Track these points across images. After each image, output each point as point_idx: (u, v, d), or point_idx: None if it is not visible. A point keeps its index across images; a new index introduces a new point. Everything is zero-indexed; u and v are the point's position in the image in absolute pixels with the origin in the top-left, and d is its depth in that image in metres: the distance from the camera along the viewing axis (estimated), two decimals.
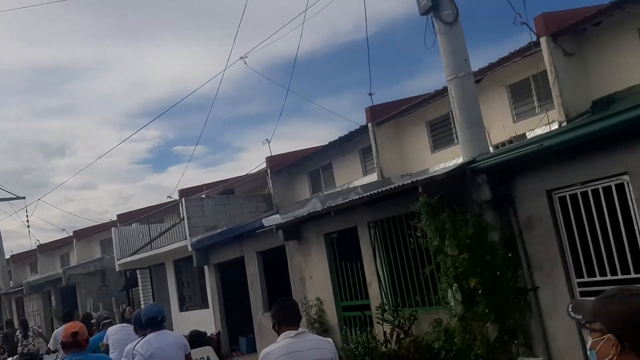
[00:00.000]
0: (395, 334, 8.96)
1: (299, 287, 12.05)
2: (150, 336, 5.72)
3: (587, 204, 6.63)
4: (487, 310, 7.34)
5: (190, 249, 15.75)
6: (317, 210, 10.30)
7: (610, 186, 6.37)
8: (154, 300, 19.63)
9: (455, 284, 7.63)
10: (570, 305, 1.97)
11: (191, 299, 18.14)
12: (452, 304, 7.70)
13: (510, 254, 7.46)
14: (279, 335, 4.24)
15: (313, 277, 11.62)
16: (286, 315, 4.22)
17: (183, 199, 16.75)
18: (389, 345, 8.88)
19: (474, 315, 7.53)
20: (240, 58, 13.97)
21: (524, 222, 7.36)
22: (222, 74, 17.05)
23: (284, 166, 17.26)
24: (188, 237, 15.85)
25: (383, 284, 9.91)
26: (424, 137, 14.02)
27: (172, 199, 19.49)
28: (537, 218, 7.19)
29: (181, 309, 18.28)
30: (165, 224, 19.27)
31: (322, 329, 11.10)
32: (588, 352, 1.89)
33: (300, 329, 4.19)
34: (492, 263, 7.53)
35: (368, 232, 10.11)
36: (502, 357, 7.41)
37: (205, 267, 16.23)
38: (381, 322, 9.31)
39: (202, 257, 15.80)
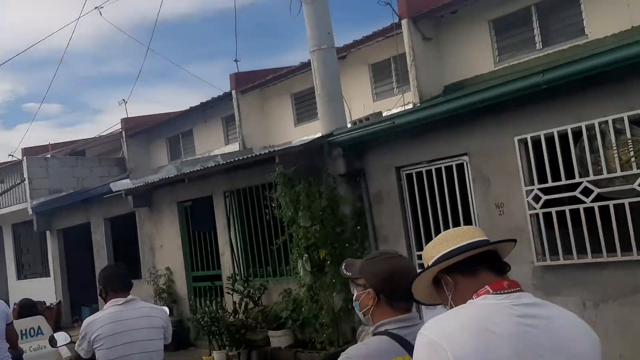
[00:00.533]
0: (244, 303, 8.90)
1: (148, 256, 11.55)
2: None
3: (431, 182, 6.96)
4: (334, 281, 7.51)
5: (30, 212, 14.46)
6: (170, 176, 9.86)
7: (452, 165, 6.74)
8: None
9: (306, 255, 7.71)
10: (344, 264, 2.29)
11: (30, 267, 16.75)
12: (302, 274, 7.78)
13: (359, 227, 7.68)
14: (105, 303, 3.94)
15: (164, 246, 11.18)
16: (114, 282, 3.91)
17: (25, 157, 15.29)
18: (237, 314, 8.81)
19: (321, 285, 7.67)
20: (96, 8, 12.85)
21: (373, 196, 7.59)
22: (76, 23, 15.68)
23: (141, 129, 16.33)
24: (29, 200, 14.53)
25: (235, 254, 9.79)
26: (288, 110, 13.97)
27: (14, 158, 17.73)
28: (385, 193, 7.44)
29: (19, 277, 16.84)
30: (4, 185, 17.51)
31: (171, 300, 10.76)
32: (354, 303, 2.22)
33: (130, 297, 3.91)
34: (342, 235, 7.71)
35: (224, 201, 9.91)
36: (345, 326, 7.65)
37: (48, 233, 15.02)
38: (231, 292, 9.20)
39: (44, 222, 14.59)
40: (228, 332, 8.54)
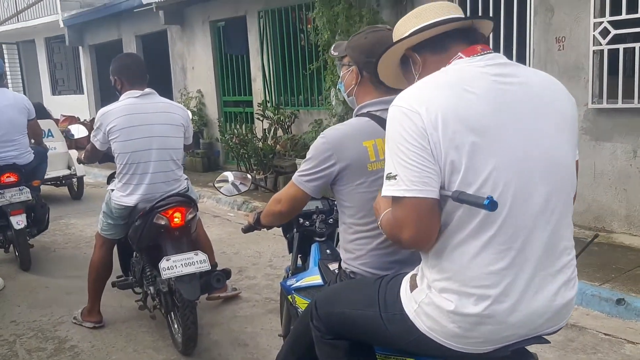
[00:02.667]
0: (273, 129, 8.72)
1: (180, 77, 11.29)
2: None
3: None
4: None
5: (62, 25, 14.09)
6: None
7: None
8: (22, 80, 18.05)
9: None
10: (333, 46, 2.17)
11: (64, 83, 16.79)
12: (334, 103, 7.43)
13: None
14: (121, 95, 3.67)
15: (195, 68, 10.85)
16: (129, 72, 3.61)
17: None
18: (266, 140, 8.67)
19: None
20: None
21: None
22: None
23: None
24: (59, 12, 14.09)
25: (268, 80, 9.43)
26: None
27: None
28: None
29: (53, 93, 16.97)
30: None
31: (201, 123, 10.68)
32: (339, 85, 2.12)
33: (147, 90, 3.64)
34: None
35: (258, 22, 9.32)
36: None
37: (80, 48, 14.77)
38: (261, 119, 9.00)
39: (77, 37, 14.27)
40: (256, 155, 8.47)
